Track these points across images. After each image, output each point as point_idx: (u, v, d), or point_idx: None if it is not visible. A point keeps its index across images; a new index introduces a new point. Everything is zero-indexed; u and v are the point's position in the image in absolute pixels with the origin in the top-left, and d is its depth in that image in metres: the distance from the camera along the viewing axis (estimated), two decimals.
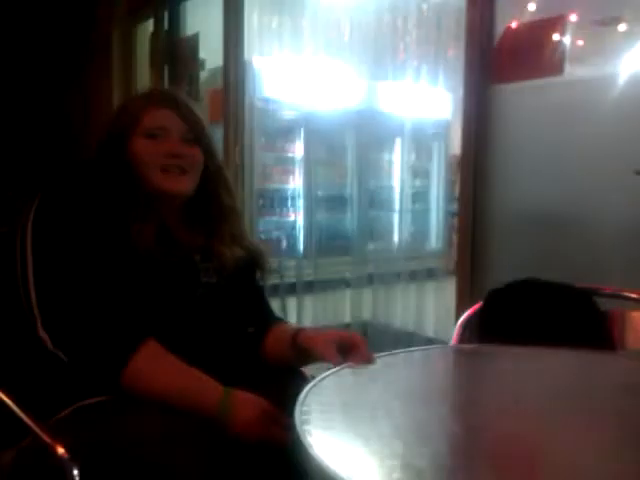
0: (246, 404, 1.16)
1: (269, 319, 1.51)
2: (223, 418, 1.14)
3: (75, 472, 1.01)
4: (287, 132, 5.81)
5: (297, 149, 5.83)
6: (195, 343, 1.27)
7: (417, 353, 1.39)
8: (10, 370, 1.24)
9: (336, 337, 1.29)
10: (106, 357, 1.15)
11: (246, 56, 3.86)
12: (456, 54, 4.59)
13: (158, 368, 1.18)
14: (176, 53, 4.28)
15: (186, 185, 1.36)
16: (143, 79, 4.45)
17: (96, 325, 1.16)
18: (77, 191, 1.26)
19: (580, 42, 2.37)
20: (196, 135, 1.38)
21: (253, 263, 1.49)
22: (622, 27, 2.22)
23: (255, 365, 1.34)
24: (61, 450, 1.02)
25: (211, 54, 4.17)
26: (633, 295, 1.73)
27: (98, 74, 4.63)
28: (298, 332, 1.38)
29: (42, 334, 1.16)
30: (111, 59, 4.53)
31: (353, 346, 1.26)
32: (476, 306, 1.79)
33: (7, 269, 1.25)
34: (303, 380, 1.31)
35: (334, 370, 1.17)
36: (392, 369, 1.25)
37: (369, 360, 1.23)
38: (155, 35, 4.39)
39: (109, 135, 1.38)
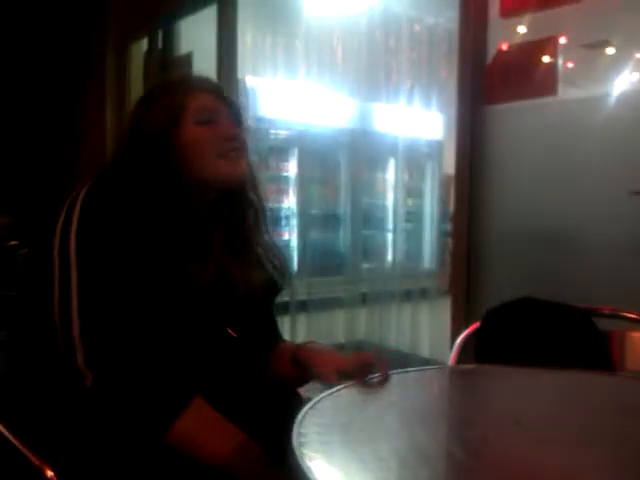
0: None
1: (276, 338, 1.42)
2: None
3: None
4: (280, 151, 5.81)
5: (290, 168, 5.83)
6: (223, 384, 1.19)
7: (415, 373, 1.37)
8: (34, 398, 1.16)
9: (344, 362, 1.25)
10: (154, 412, 1.06)
11: (239, 75, 3.87)
12: (447, 75, 4.64)
13: (203, 432, 1.09)
14: (170, 72, 4.28)
15: (244, 169, 1.25)
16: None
17: (146, 375, 1.06)
18: (124, 206, 1.10)
19: (571, 64, 2.38)
20: (239, 117, 1.27)
21: (275, 284, 1.35)
22: (610, 50, 2.24)
23: (254, 390, 1.26)
24: (50, 473, 1.01)
25: (205, 73, 4.16)
26: (632, 315, 1.72)
27: (93, 94, 4.61)
28: (297, 349, 1.33)
29: (83, 369, 1.03)
30: (105, 79, 4.50)
31: (367, 366, 1.22)
32: (474, 325, 1.78)
33: (34, 289, 1.16)
34: (300, 402, 1.26)
35: (331, 391, 1.15)
36: (390, 390, 1.22)
37: (384, 379, 1.20)
38: (149, 54, 4.38)
39: (145, 132, 1.20)
